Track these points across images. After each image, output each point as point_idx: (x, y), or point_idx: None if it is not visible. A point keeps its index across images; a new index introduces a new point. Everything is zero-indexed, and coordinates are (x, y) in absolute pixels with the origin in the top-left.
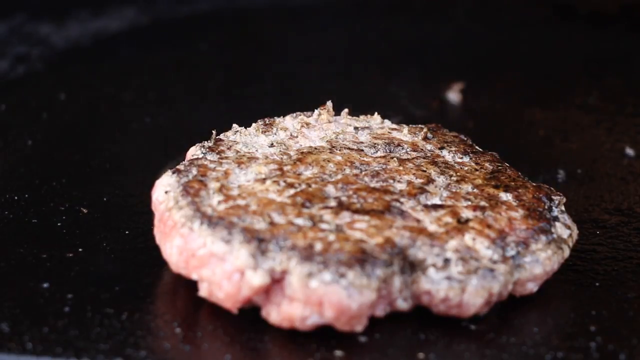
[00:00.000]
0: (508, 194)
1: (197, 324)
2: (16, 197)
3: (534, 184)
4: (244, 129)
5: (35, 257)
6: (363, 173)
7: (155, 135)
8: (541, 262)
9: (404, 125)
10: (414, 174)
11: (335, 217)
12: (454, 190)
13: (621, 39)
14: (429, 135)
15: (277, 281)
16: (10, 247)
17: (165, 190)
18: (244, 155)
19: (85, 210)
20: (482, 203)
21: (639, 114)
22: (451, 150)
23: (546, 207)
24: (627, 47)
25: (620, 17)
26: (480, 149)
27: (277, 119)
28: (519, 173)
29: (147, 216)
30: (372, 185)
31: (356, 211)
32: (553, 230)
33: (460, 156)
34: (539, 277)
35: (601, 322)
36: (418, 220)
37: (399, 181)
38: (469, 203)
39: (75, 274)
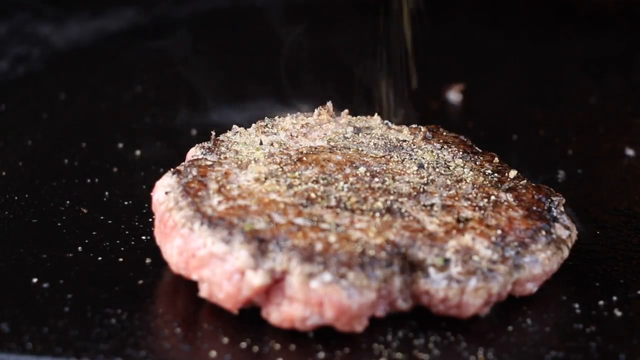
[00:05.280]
0: (508, 194)
1: (197, 324)
2: (16, 197)
3: (534, 184)
4: (244, 129)
5: (35, 257)
6: (363, 173)
7: (155, 135)
8: (540, 262)
9: (404, 126)
10: (413, 173)
11: (336, 217)
12: (453, 190)
13: (621, 39)
14: (429, 135)
15: (277, 281)
16: (10, 247)
17: (165, 191)
18: (244, 156)
19: (85, 210)
20: (482, 203)
21: (639, 114)
22: (451, 151)
23: (546, 207)
24: (627, 47)
25: (620, 17)
26: (480, 149)
27: (277, 119)
28: (519, 173)
29: (147, 216)
30: (372, 185)
31: (356, 211)
32: (552, 230)
33: (461, 156)
34: (538, 278)
35: (601, 322)
36: (418, 220)
37: (399, 181)
38: (469, 203)
39: (75, 274)
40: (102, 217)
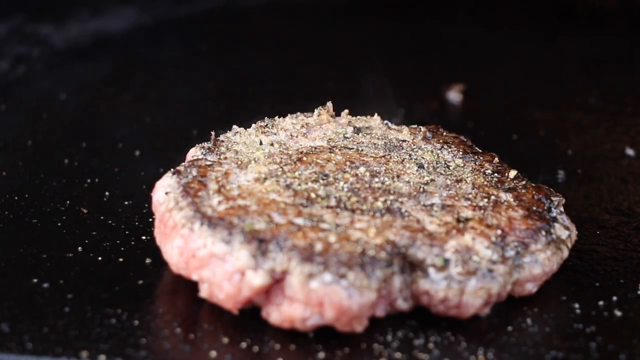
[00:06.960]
0: (508, 194)
1: (197, 324)
2: (16, 197)
3: (534, 184)
4: (244, 130)
5: (35, 257)
6: (363, 173)
7: (155, 135)
8: (540, 262)
9: (404, 126)
10: (413, 173)
11: (336, 217)
12: (453, 190)
13: (621, 39)
14: (429, 135)
15: (277, 281)
16: (10, 247)
17: (165, 191)
18: (244, 156)
19: (85, 210)
20: (482, 203)
21: (639, 114)
22: (451, 151)
23: (545, 207)
24: (627, 47)
25: (620, 17)
26: (480, 149)
27: (277, 119)
28: (519, 173)
29: (147, 216)
30: (372, 185)
31: (356, 211)
32: (552, 231)
33: (461, 156)
34: (538, 278)
35: (601, 322)
36: (418, 220)
37: (399, 181)
38: (469, 203)
39: (75, 274)
40: (102, 217)
